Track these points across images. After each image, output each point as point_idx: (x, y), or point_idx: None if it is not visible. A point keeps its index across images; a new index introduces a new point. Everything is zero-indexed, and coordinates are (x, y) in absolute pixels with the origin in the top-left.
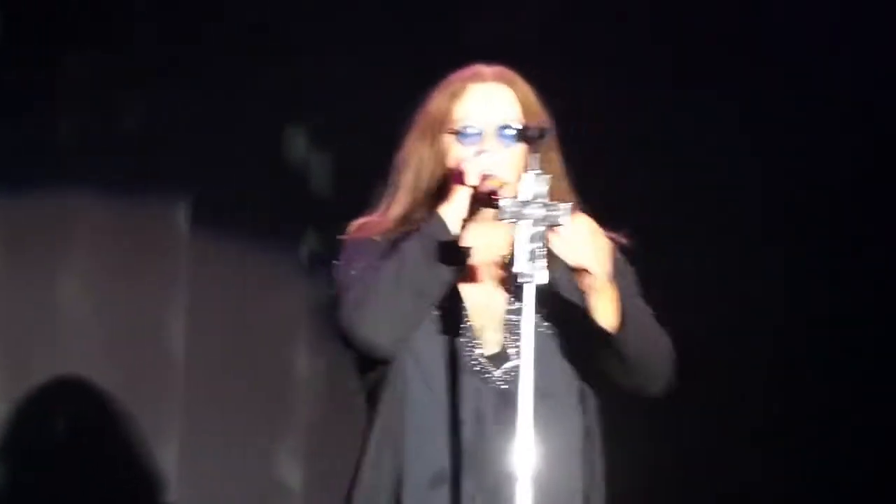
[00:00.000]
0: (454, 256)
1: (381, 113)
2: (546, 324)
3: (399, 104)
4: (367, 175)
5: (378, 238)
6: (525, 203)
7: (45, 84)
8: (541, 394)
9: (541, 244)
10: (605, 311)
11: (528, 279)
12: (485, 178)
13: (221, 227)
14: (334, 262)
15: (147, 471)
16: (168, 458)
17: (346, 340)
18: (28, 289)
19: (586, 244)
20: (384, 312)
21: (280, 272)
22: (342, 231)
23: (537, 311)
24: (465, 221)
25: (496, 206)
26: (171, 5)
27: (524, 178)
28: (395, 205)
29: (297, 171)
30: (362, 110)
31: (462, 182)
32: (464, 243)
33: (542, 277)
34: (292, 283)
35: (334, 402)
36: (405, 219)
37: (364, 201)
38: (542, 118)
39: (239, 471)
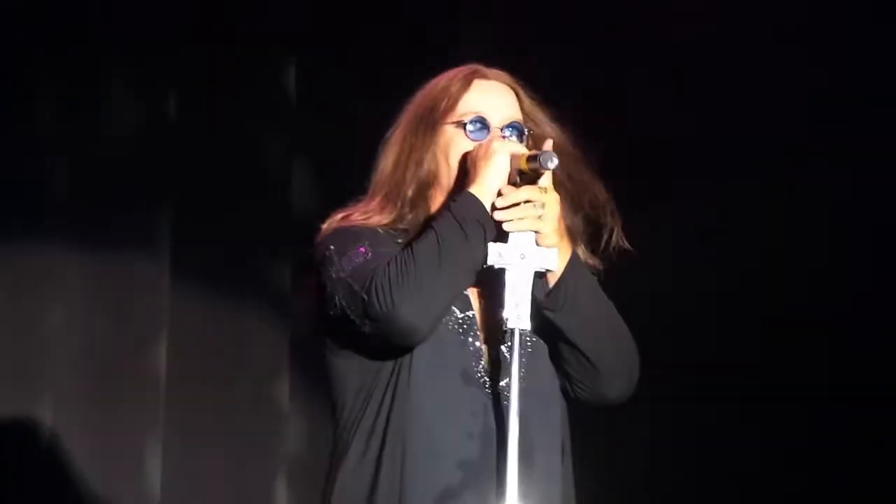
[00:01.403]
0: (489, 235)
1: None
2: (535, 339)
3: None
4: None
5: (378, 228)
6: (516, 249)
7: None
8: (535, 408)
9: (529, 289)
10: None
11: (517, 325)
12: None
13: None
14: (325, 247)
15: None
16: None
17: (381, 324)
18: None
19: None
20: (426, 293)
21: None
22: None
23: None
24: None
25: (535, 178)
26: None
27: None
28: (388, 200)
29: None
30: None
31: (488, 164)
32: (497, 220)
33: (526, 323)
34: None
35: (317, 430)
36: (399, 215)
37: None
38: (546, 123)
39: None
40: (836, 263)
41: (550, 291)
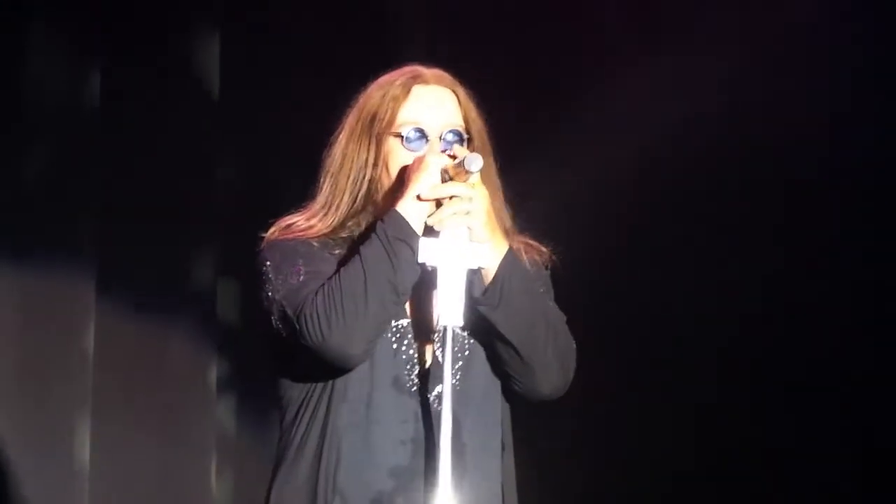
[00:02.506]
0: (418, 255)
1: None
2: (472, 341)
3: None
4: None
5: (314, 242)
6: (447, 246)
7: None
8: (473, 414)
9: (462, 287)
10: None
11: (450, 322)
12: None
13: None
14: (262, 262)
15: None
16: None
17: (315, 353)
18: None
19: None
20: (356, 323)
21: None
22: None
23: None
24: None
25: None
26: None
27: (446, 223)
28: (329, 208)
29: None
30: None
31: (418, 178)
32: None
33: (459, 320)
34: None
35: (246, 407)
36: (341, 223)
37: None
38: (481, 123)
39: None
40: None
41: (486, 289)
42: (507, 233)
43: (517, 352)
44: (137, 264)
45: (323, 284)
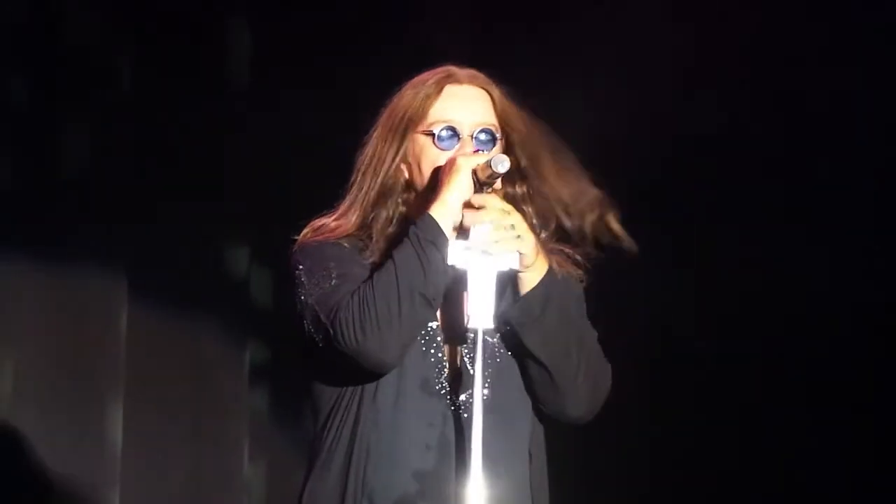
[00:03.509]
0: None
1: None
2: (505, 352)
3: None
4: None
5: (345, 243)
6: (474, 248)
7: None
8: (502, 420)
9: (493, 288)
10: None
11: (480, 324)
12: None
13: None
14: (294, 266)
15: None
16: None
17: (350, 359)
18: None
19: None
20: (390, 329)
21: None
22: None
23: (496, 336)
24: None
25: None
26: None
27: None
28: (358, 206)
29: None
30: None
31: (450, 182)
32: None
33: (489, 322)
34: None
35: (280, 391)
36: (366, 222)
37: None
38: (522, 122)
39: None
40: None
41: (520, 307)
42: (547, 250)
43: (548, 373)
44: (171, 248)
45: (358, 288)
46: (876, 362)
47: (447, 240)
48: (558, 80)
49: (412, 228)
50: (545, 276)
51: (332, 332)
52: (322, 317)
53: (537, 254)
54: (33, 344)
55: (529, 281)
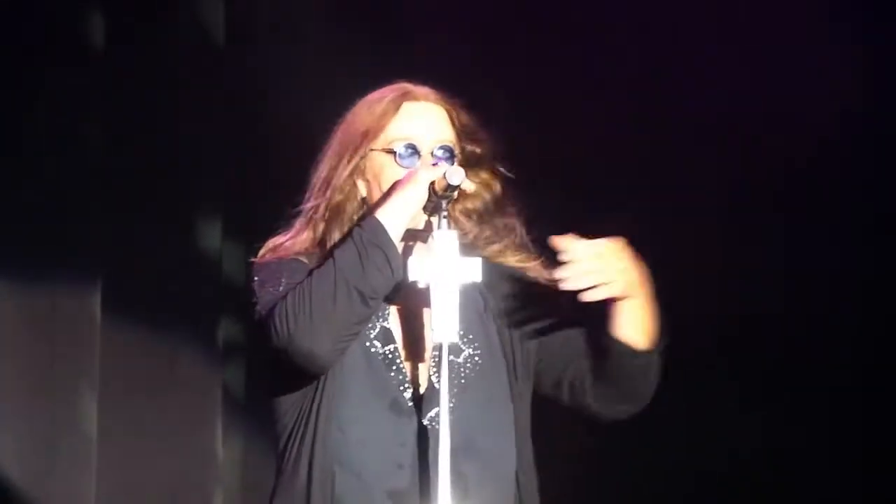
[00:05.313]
0: (391, 262)
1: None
2: (478, 353)
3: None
4: None
5: (301, 259)
6: (437, 262)
7: None
8: (474, 434)
9: (455, 302)
10: (641, 329)
11: (445, 338)
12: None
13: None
14: (250, 281)
15: None
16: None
17: (283, 352)
18: None
19: (617, 269)
20: (322, 321)
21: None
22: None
23: (470, 340)
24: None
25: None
26: None
27: (435, 237)
28: (311, 224)
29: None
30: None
31: (404, 189)
32: (399, 252)
33: (454, 336)
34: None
35: (251, 485)
36: (320, 239)
37: None
38: (480, 138)
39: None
40: None
41: (642, 352)
42: (524, 247)
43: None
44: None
45: (296, 286)
46: None
47: (391, 242)
48: None
49: (356, 229)
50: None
51: (267, 326)
52: (264, 315)
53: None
54: (7, 327)
55: (639, 328)
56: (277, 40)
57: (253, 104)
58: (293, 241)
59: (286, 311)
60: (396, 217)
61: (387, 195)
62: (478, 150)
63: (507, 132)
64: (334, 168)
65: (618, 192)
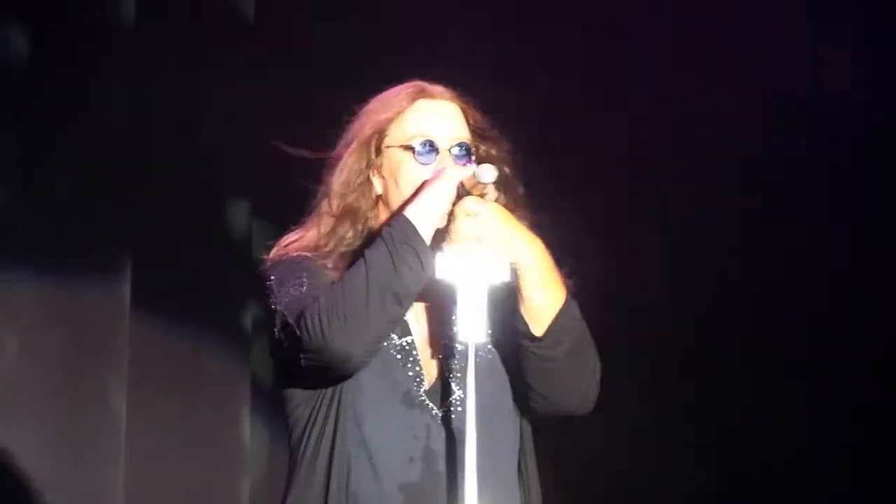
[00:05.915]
0: (423, 261)
1: None
2: (488, 348)
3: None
4: None
5: (315, 257)
6: (463, 261)
7: None
8: (485, 428)
9: (484, 302)
10: (540, 301)
11: (472, 339)
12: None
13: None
14: (265, 279)
15: None
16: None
17: (315, 353)
18: None
19: (505, 233)
20: (356, 323)
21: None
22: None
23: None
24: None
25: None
26: None
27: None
28: (324, 222)
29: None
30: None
31: (433, 187)
32: (431, 250)
33: (482, 336)
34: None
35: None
36: (334, 236)
37: None
38: (494, 138)
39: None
40: None
41: (543, 337)
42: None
43: (542, 394)
44: (172, 210)
45: (327, 289)
46: None
47: (423, 241)
48: None
49: (386, 228)
50: (564, 305)
51: (297, 330)
52: (290, 319)
53: (548, 272)
54: (36, 319)
55: (543, 307)
56: (311, 18)
57: (285, 83)
58: (307, 238)
59: (318, 314)
60: (426, 215)
61: (416, 194)
62: (493, 151)
63: (516, 133)
64: (348, 165)
65: (628, 193)
